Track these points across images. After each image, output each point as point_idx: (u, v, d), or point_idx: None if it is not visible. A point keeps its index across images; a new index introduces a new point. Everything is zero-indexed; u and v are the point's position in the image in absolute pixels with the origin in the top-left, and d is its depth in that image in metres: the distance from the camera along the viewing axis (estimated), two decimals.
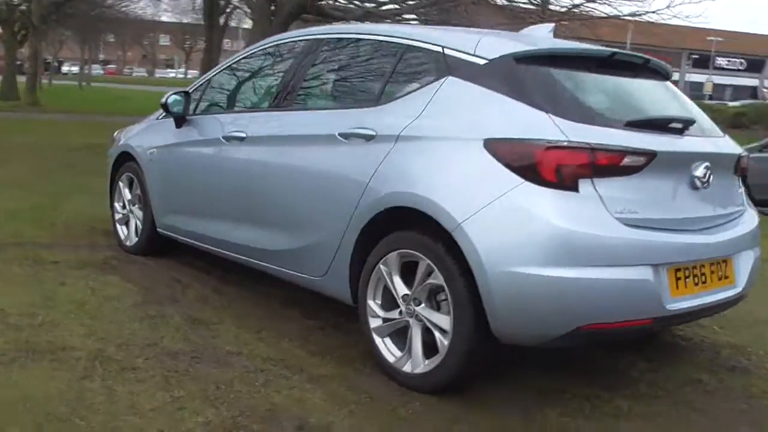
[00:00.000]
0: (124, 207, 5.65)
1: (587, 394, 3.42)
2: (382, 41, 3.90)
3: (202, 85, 5.04)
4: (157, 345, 3.64)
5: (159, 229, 5.23)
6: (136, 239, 5.47)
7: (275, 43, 4.65)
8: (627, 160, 3.06)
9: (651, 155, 3.11)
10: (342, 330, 4.06)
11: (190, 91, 5.06)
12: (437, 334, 3.24)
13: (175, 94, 4.93)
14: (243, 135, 4.34)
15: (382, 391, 3.31)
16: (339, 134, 3.72)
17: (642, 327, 3.18)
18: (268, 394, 3.16)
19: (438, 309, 3.29)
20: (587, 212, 2.99)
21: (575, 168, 2.99)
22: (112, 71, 78.26)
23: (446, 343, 3.19)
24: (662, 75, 3.89)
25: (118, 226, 5.71)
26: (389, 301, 3.49)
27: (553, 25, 3.91)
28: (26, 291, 4.37)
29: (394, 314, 3.45)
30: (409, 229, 3.37)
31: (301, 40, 4.40)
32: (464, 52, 3.45)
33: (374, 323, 3.53)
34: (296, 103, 4.22)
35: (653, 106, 3.61)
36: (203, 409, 2.97)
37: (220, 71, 5.03)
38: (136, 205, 5.49)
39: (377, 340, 3.52)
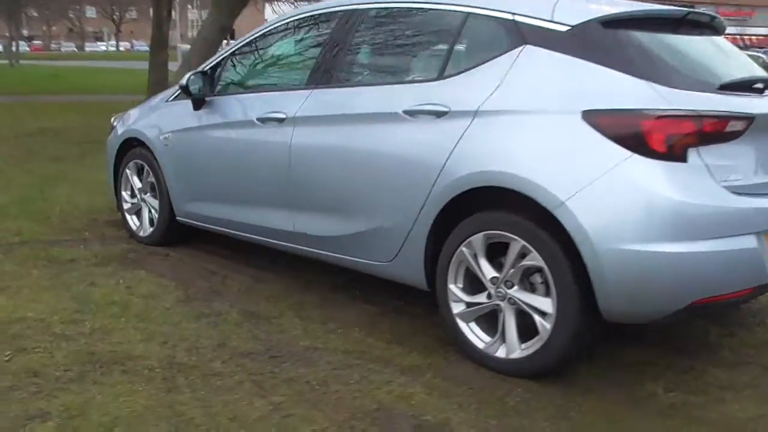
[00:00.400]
0: (133, 196, 5.34)
1: (680, 366, 3.36)
2: (438, 10, 3.67)
3: (220, 63, 4.73)
4: (226, 345, 3.42)
5: (179, 218, 4.95)
6: (151, 229, 5.18)
7: (307, 15, 4.35)
8: (731, 126, 2.95)
9: (750, 119, 3.00)
10: (408, 315, 3.90)
11: (207, 69, 4.74)
12: (536, 318, 3.11)
13: (193, 74, 4.61)
14: (283, 116, 4.07)
15: (479, 379, 3.17)
16: (403, 111, 3.51)
17: (745, 296, 3.11)
18: (369, 392, 2.99)
19: (533, 291, 3.15)
20: (698, 183, 2.88)
21: (684, 137, 2.86)
22: (37, 47, 74.84)
23: (548, 326, 3.06)
24: (719, 31, 3.78)
25: (128, 216, 5.39)
26: (473, 285, 3.34)
27: None
28: (57, 296, 4.05)
29: (481, 298, 3.29)
30: (496, 210, 3.21)
31: (338, 12, 4.11)
32: (540, 18, 3.26)
33: (457, 308, 3.37)
34: (344, 80, 3.96)
35: (732, 66, 3.50)
36: (311, 414, 2.78)
37: (240, 48, 4.71)
38: (148, 194, 5.19)
39: (462, 325, 3.37)
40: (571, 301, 2.98)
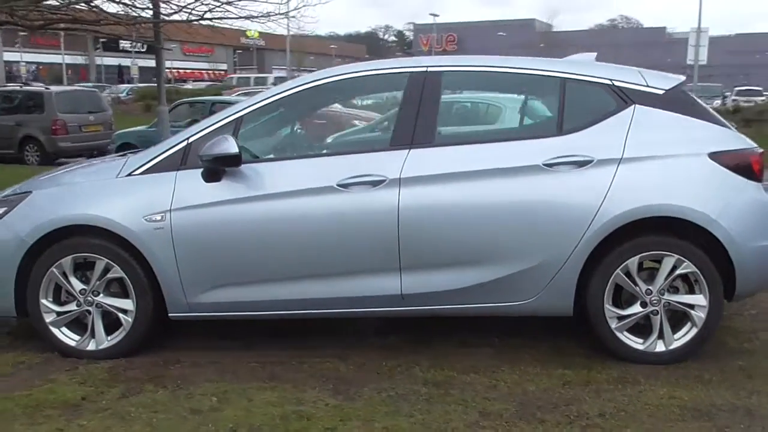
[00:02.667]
0: (62, 303, 4.24)
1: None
2: (534, 75, 4.21)
3: (227, 126, 4.20)
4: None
5: (176, 314, 4.20)
6: (116, 338, 4.22)
7: (368, 74, 4.28)
8: None
9: None
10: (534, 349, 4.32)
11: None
12: (693, 313, 4.01)
13: (226, 139, 4.01)
14: (379, 178, 4.01)
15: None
16: (543, 164, 3.99)
17: None
18: None
19: (677, 292, 4.05)
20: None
21: (761, 165, 4.16)
22: None
23: (703, 315, 4.01)
24: None
25: (53, 330, 4.24)
26: (627, 301, 4.06)
27: (594, 54, 4.77)
28: None
29: (636, 308, 4.04)
30: (649, 234, 4.00)
31: (417, 72, 4.19)
32: (638, 84, 4.16)
33: (614, 324, 4.05)
34: (450, 138, 4.14)
35: None
36: None
37: (265, 106, 4.26)
38: (100, 295, 4.21)
39: (620, 336, 4.06)
40: (717, 294, 3.98)
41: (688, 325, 4.03)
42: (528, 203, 3.97)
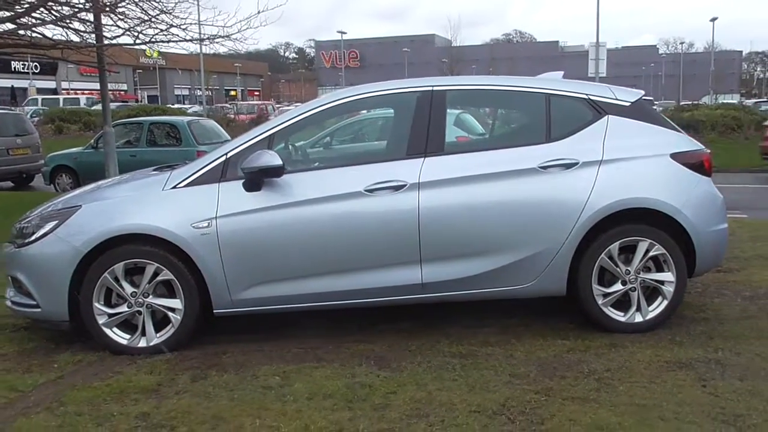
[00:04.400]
0: (114, 305, 4.66)
1: None
2: (523, 91, 4.96)
3: (262, 142, 4.74)
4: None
5: (221, 310, 4.69)
6: (163, 336, 4.67)
7: (383, 93, 4.91)
8: None
9: None
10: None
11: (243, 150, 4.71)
12: (663, 288, 4.81)
13: (268, 153, 4.55)
14: (400, 183, 4.64)
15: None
16: (539, 166, 4.73)
17: None
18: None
19: (649, 271, 4.84)
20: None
21: (710, 164, 5.03)
22: None
23: (671, 290, 4.83)
24: None
25: (105, 330, 4.65)
26: (609, 281, 4.83)
27: (562, 72, 5.57)
28: None
29: (618, 286, 4.82)
30: (627, 223, 4.78)
31: (426, 91, 4.85)
32: (608, 98, 4.97)
33: (600, 300, 4.81)
34: (457, 147, 4.81)
35: None
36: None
37: (293, 124, 4.82)
38: (150, 296, 4.65)
39: (606, 311, 4.82)
40: (682, 268, 4.81)
41: (660, 298, 4.84)
42: (527, 200, 4.70)
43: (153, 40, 11.57)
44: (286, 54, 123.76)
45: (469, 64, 62.61)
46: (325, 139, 5.09)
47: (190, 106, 52.84)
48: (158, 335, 4.67)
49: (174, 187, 4.69)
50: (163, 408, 3.72)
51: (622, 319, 4.83)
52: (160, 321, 4.70)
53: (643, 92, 5.19)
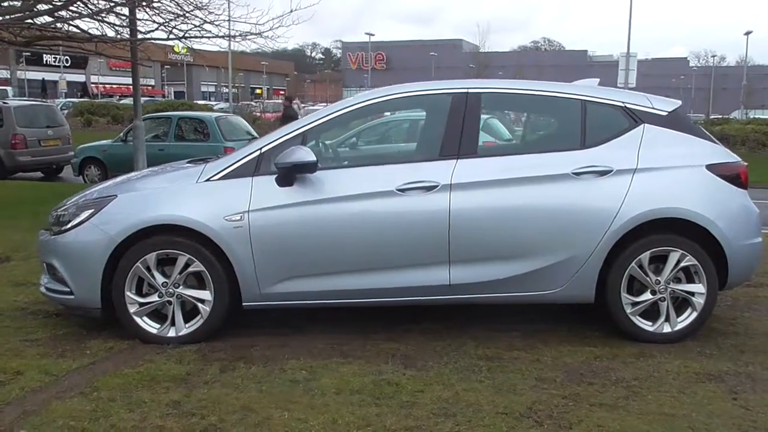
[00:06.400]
0: (145, 294, 4.72)
1: None
2: (558, 96, 4.96)
3: (295, 138, 4.78)
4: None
5: (250, 303, 4.74)
6: (191, 327, 4.72)
7: (419, 93, 4.94)
8: None
9: None
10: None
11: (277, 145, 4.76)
12: (693, 299, 4.78)
13: (303, 149, 4.59)
14: (432, 184, 4.66)
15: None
16: (572, 172, 4.72)
17: None
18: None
19: (680, 281, 4.81)
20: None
21: (746, 176, 4.99)
22: None
23: (702, 302, 4.80)
24: None
25: (136, 319, 4.71)
26: (638, 290, 4.81)
27: (598, 79, 5.56)
28: None
29: (647, 296, 4.79)
30: (659, 233, 4.76)
31: (460, 92, 4.87)
32: (645, 106, 4.95)
33: (629, 309, 4.78)
34: (490, 150, 4.82)
35: None
36: None
37: (329, 121, 4.87)
38: (180, 287, 4.70)
39: (634, 319, 4.79)
40: (714, 280, 4.78)
41: (689, 310, 4.81)
42: (559, 206, 4.69)
43: (187, 35, 11.70)
44: (313, 54, 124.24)
45: (496, 70, 62.54)
46: (356, 138, 5.12)
47: (216, 102, 53.23)
48: (187, 326, 4.72)
49: (208, 180, 4.75)
50: (194, 397, 3.76)
51: (650, 329, 4.80)
52: (189, 312, 4.76)
53: (680, 102, 5.16)
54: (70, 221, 4.79)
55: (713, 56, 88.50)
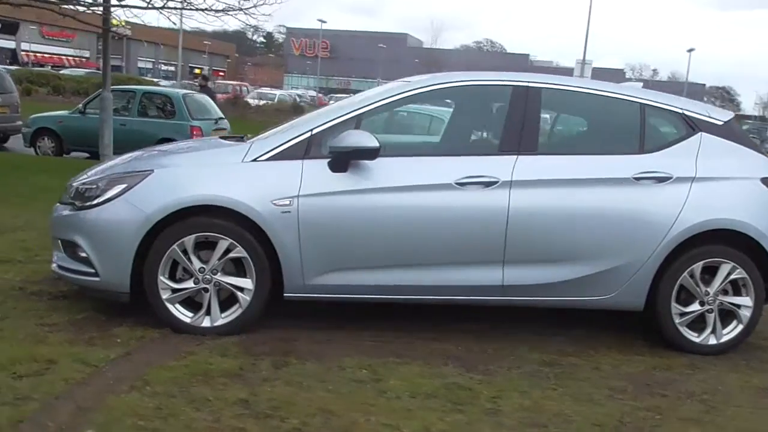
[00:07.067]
0: (179, 280, 4.37)
1: None
2: (617, 98, 4.82)
3: (349, 122, 4.50)
4: None
5: (291, 294, 4.44)
6: (228, 316, 4.39)
7: (477, 83, 4.73)
8: None
9: None
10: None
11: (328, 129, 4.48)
12: (740, 312, 4.71)
13: (364, 134, 4.32)
14: (492, 180, 4.46)
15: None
16: (633, 177, 4.59)
17: None
18: None
19: (727, 294, 4.74)
20: None
21: None
22: None
23: (748, 314, 4.75)
24: None
25: (168, 305, 4.35)
26: (685, 300, 4.72)
27: (641, 83, 5.47)
28: None
29: (696, 306, 4.71)
30: (712, 244, 4.68)
31: (522, 86, 4.66)
32: (702, 115, 4.86)
33: (677, 319, 4.69)
34: (550, 148, 4.65)
35: None
36: None
37: (377, 109, 4.60)
38: (218, 274, 4.37)
39: (681, 330, 4.70)
40: (761, 294, 4.75)
41: (735, 322, 4.76)
42: (619, 210, 4.56)
43: (167, 6, 11.17)
44: (254, 37, 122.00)
45: (440, 67, 62.79)
46: (408, 126, 4.89)
47: (158, 80, 51.63)
48: (223, 316, 4.39)
49: (254, 160, 4.42)
50: (261, 396, 3.46)
51: (696, 340, 4.73)
52: (224, 301, 4.43)
53: (733, 113, 5.11)
54: (98, 196, 4.38)
55: (654, 69, 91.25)
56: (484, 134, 4.94)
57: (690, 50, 55.94)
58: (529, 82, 4.73)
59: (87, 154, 14.48)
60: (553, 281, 4.55)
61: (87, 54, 74.01)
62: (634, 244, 4.57)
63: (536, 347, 4.51)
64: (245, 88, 43.47)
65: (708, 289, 4.68)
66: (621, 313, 4.87)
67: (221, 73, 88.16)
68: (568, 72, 33.09)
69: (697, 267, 4.65)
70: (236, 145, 4.68)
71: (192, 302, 4.42)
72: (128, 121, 13.75)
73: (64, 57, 69.58)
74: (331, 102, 45.09)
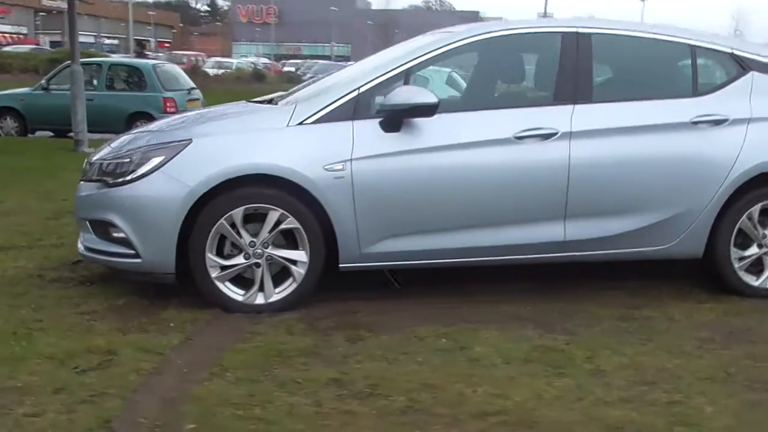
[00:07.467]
0: (227, 256, 4.08)
1: None
2: (667, 41, 4.61)
3: (397, 77, 4.22)
4: None
5: (347, 264, 4.19)
6: (282, 292, 4.12)
7: (526, 31, 4.49)
8: None
9: None
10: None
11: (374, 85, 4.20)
12: None
13: (420, 89, 4.05)
14: (551, 131, 4.24)
15: None
16: (690, 121, 4.43)
17: None
18: None
19: None
20: None
21: None
22: None
23: None
24: None
25: (218, 284, 4.07)
26: (741, 244, 4.59)
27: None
28: None
29: (754, 250, 4.59)
30: (764, 185, 4.54)
31: (571, 33, 4.43)
32: (752, 53, 4.69)
33: (736, 264, 4.58)
34: (605, 96, 4.43)
35: None
36: None
37: (425, 62, 4.32)
38: (270, 247, 4.09)
39: (740, 274, 4.60)
40: None
41: None
42: (678, 156, 4.39)
43: None
44: (198, 5, 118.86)
45: (394, 28, 62.12)
46: (456, 78, 4.64)
47: (109, 53, 49.93)
48: (277, 291, 4.12)
49: (300, 124, 4.12)
50: (352, 374, 3.22)
51: (755, 284, 4.60)
52: (274, 276, 4.15)
53: None
54: (133, 170, 4.04)
55: None
56: (537, 84, 4.70)
57: None
58: (578, 27, 4.50)
59: (51, 133, 13.88)
60: (616, 233, 4.38)
61: (24, 30, 71.21)
62: (695, 190, 4.42)
63: (602, 303, 4.34)
64: (201, 58, 42.27)
65: (766, 232, 4.57)
66: (669, 262, 4.71)
67: (167, 45, 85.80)
68: None
69: (755, 209, 4.52)
70: (278, 108, 4.37)
71: (240, 279, 4.14)
72: (96, 95, 13.09)
73: (3, 34, 66.79)
74: (284, 69, 44.00)
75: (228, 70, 36.04)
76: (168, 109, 13.16)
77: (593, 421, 2.84)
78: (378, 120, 4.12)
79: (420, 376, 3.19)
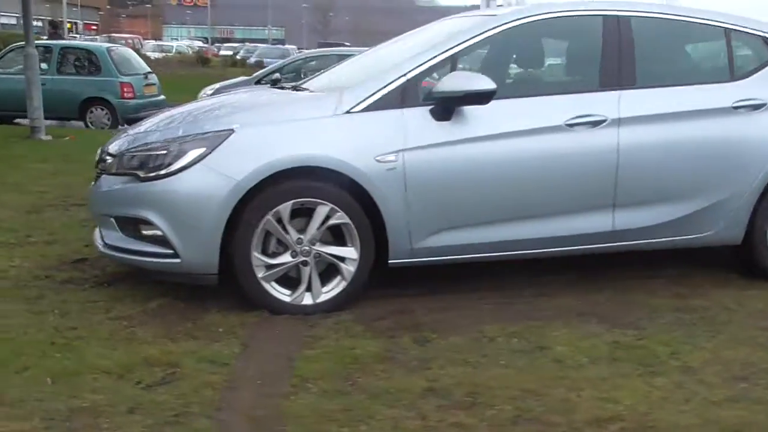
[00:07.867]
0: (273, 255, 3.82)
1: None
2: (703, 24, 4.54)
3: (443, 63, 4.03)
4: None
5: (396, 261, 3.99)
6: (331, 291, 3.89)
7: (567, 14, 4.36)
8: None
9: None
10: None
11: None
12: None
13: (476, 75, 3.87)
14: (600, 118, 4.13)
15: None
16: (732, 106, 4.37)
17: None
18: None
19: None
20: None
21: None
22: None
23: None
24: None
25: (264, 284, 3.81)
26: None
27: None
28: None
29: None
30: None
31: (611, 16, 4.29)
32: None
33: None
34: (648, 80, 4.32)
35: None
36: None
37: (471, 47, 4.13)
38: (317, 244, 3.86)
39: None
40: None
41: None
42: (722, 142, 4.35)
43: None
44: None
45: (332, 10, 61.31)
46: (523, 63, 4.52)
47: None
48: (325, 291, 3.89)
49: (348, 112, 3.88)
50: (443, 381, 3.02)
51: None
52: (321, 274, 3.91)
53: None
54: (171, 163, 3.73)
55: None
56: (583, 69, 4.56)
57: None
58: (618, 10, 4.39)
59: None
60: (664, 221, 4.31)
61: None
62: (738, 175, 4.39)
63: (650, 293, 4.27)
64: (137, 40, 40.77)
65: None
66: (696, 249, 4.65)
67: (93, 27, 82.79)
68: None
69: None
70: (321, 96, 4.11)
71: (285, 279, 3.89)
72: (48, 80, 12.41)
73: None
74: (221, 53, 42.84)
75: (169, 54, 34.90)
76: (125, 95, 12.61)
77: (710, 424, 2.73)
78: (428, 108, 3.92)
79: (514, 381, 3.03)
